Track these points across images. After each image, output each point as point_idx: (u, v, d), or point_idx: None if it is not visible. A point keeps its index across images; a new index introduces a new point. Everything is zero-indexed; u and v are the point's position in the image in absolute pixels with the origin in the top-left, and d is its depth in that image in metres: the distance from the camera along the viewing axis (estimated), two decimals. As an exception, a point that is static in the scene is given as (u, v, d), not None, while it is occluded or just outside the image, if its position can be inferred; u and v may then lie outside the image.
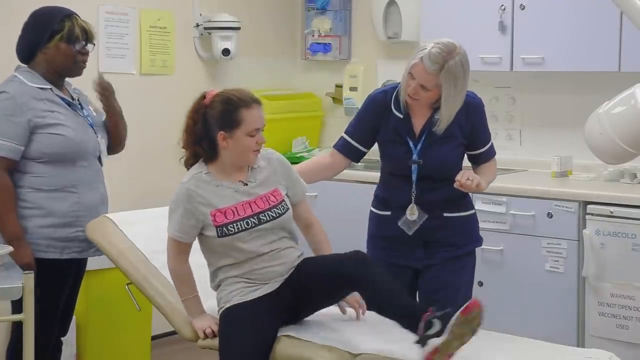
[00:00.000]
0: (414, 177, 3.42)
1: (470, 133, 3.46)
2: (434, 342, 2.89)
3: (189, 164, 3.33)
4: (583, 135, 3.48)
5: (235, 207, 3.19)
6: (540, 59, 4.67)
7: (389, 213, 3.51)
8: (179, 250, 3.22)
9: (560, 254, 4.36)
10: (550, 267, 4.39)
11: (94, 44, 3.68)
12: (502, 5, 4.74)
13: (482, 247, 4.53)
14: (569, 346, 3.42)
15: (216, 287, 3.29)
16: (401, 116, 3.43)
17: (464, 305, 2.91)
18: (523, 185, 4.54)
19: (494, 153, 3.60)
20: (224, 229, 3.16)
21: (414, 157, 3.41)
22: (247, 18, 5.48)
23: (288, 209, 3.27)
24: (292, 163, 5.38)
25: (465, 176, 3.32)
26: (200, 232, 3.22)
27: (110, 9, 4.89)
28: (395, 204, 3.48)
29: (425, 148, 3.41)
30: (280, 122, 5.48)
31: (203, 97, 3.23)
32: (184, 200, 3.19)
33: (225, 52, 5.30)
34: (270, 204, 3.23)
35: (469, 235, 3.55)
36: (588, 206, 4.29)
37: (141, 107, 5.06)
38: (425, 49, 3.32)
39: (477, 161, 3.56)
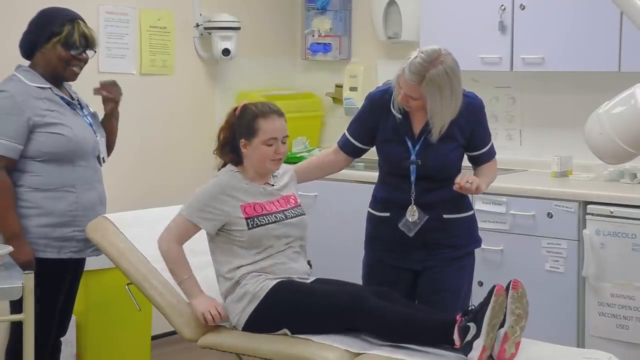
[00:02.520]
0: (412, 177, 3.41)
1: (471, 134, 3.45)
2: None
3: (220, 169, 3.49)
4: (583, 135, 3.48)
5: (263, 204, 3.36)
6: (540, 59, 4.67)
7: (387, 214, 3.49)
8: (185, 234, 3.34)
9: (560, 254, 4.36)
10: (550, 267, 4.39)
11: (95, 51, 3.67)
12: (502, 5, 4.74)
13: (482, 247, 4.54)
14: (569, 346, 3.42)
15: (234, 286, 3.29)
16: (400, 116, 3.42)
17: (510, 283, 3.05)
18: (523, 185, 4.54)
19: (495, 154, 3.59)
20: (255, 220, 3.30)
21: (412, 157, 3.40)
22: (247, 18, 5.48)
23: (305, 214, 3.47)
24: (292, 163, 5.42)
25: (465, 179, 3.31)
26: (223, 231, 3.30)
27: (110, 9, 4.88)
28: (395, 205, 3.46)
29: (423, 149, 3.40)
30: (280, 122, 5.48)
31: (235, 109, 3.43)
32: (219, 189, 3.33)
33: (225, 52, 5.30)
34: (291, 204, 3.43)
35: (468, 236, 3.55)
36: (588, 206, 4.29)
37: (141, 107, 5.06)
38: (410, 58, 3.29)
39: (477, 162, 3.55)
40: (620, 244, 4.18)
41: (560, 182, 4.64)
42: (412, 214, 3.41)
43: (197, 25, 5.33)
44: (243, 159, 3.40)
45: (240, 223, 3.29)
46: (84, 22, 3.63)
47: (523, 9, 4.69)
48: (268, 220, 3.32)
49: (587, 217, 4.28)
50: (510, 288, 3.06)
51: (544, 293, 4.35)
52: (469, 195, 3.57)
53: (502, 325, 3.01)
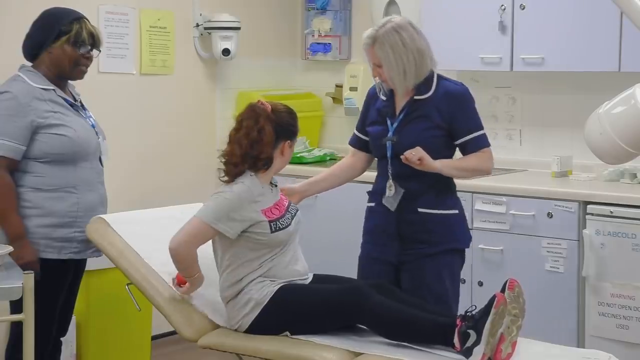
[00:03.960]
0: (389, 154, 3.47)
1: (451, 119, 3.45)
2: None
3: (234, 174, 3.33)
4: (583, 135, 3.48)
5: (276, 205, 3.35)
6: (540, 59, 4.67)
7: (373, 204, 3.56)
8: (204, 240, 3.28)
9: (560, 254, 4.36)
10: (550, 267, 4.39)
11: (100, 51, 3.67)
12: (502, 5, 4.74)
13: (482, 247, 4.54)
14: (569, 346, 3.42)
15: (238, 292, 3.29)
16: (384, 98, 3.52)
17: (506, 284, 3.06)
18: (523, 185, 4.55)
19: (485, 145, 3.51)
20: (278, 223, 3.29)
21: (390, 134, 3.47)
22: (247, 18, 5.48)
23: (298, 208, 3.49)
24: (292, 163, 5.41)
25: (410, 150, 3.35)
26: (244, 234, 3.27)
27: (110, 9, 4.88)
28: (379, 192, 3.53)
29: (401, 126, 3.46)
30: (280, 122, 5.48)
31: (261, 104, 3.33)
32: (248, 196, 3.26)
33: (225, 52, 5.30)
34: (286, 201, 3.44)
35: (447, 234, 3.50)
36: (588, 206, 4.29)
37: (141, 107, 5.07)
38: None
39: (463, 150, 3.53)
40: (620, 244, 4.18)
41: (560, 182, 4.64)
42: (390, 188, 3.47)
43: (197, 25, 5.34)
44: (273, 162, 3.33)
45: (264, 226, 3.26)
46: (88, 20, 3.64)
47: (523, 9, 4.69)
48: (286, 222, 3.32)
49: (587, 217, 4.28)
50: (507, 288, 3.06)
51: (544, 293, 4.36)
52: (456, 194, 3.59)
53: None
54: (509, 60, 4.77)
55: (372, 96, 3.62)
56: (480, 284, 4.50)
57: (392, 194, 3.47)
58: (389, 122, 3.50)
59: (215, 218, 3.23)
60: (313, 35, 5.77)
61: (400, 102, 3.49)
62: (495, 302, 2.99)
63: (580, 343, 4.30)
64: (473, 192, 4.58)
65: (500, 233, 4.52)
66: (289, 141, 3.36)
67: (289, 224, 3.33)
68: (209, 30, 5.32)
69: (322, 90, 5.79)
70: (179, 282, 3.37)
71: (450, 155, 3.49)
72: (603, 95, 3.58)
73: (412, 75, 3.41)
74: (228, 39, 5.30)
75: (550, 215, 4.38)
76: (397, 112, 3.49)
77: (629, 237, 4.16)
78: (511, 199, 4.50)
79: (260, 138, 3.28)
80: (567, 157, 4.79)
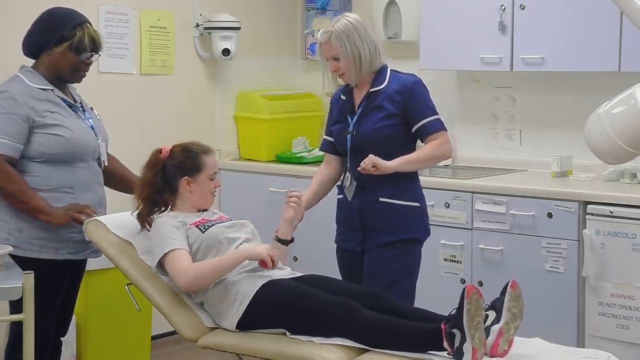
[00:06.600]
0: (347, 146, 3.63)
1: (405, 108, 3.60)
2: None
3: (145, 217, 3.53)
4: (583, 135, 3.48)
5: (204, 218, 3.47)
6: (540, 59, 4.67)
7: (341, 196, 3.73)
8: (187, 259, 3.33)
9: (560, 254, 4.36)
10: (550, 267, 4.39)
11: (100, 55, 3.67)
12: (502, 5, 4.74)
13: (482, 247, 4.54)
14: (569, 346, 3.41)
15: (223, 291, 3.32)
16: (344, 98, 3.71)
17: (508, 283, 3.06)
18: (523, 185, 4.55)
19: (440, 128, 3.64)
20: (205, 224, 3.40)
21: (350, 128, 3.64)
22: (247, 18, 5.49)
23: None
24: (292, 163, 5.41)
25: (363, 161, 3.48)
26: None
27: (110, 9, 4.89)
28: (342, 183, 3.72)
29: (359, 119, 3.63)
30: (280, 122, 5.48)
31: (159, 152, 3.54)
32: (171, 220, 3.41)
33: (225, 52, 5.30)
34: (227, 219, 3.53)
35: (404, 224, 3.63)
36: (588, 206, 4.29)
37: (141, 107, 5.07)
38: None
39: (420, 136, 3.65)
40: (620, 244, 4.18)
41: (560, 182, 4.64)
42: (347, 180, 3.66)
43: (197, 25, 5.34)
44: (177, 200, 3.49)
45: (194, 233, 3.38)
46: (91, 24, 3.63)
47: (523, 9, 4.69)
48: (214, 223, 3.44)
49: (587, 217, 4.28)
50: (509, 286, 3.07)
51: (544, 293, 4.36)
52: (418, 188, 3.69)
53: (497, 321, 3.02)
54: (509, 60, 4.77)
55: (335, 100, 3.77)
56: (481, 284, 4.49)
57: (347, 185, 3.65)
58: (349, 118, 3.65)
59: (171, 241, 3.34)
60: (313, 35, 5.77)
61: (359, 98, 3.66)
62: (465, 294, 2.97)
63: (580, 343, 4.30)
64: (473, 192, 4.59)
65: (500, 233, 4.52)
66: (187, 177, 3.49)
67: (220, 222, 3.43)
68: (209, 30, 5.32)
69: (322, 90, 5.78)
70: (264, 266, 3.36)
71: (411, 145, 3.64)
72: (603, 95, 3.57)
73: (366, 64, 3.59)
74: (228, 39, 5.31)
75: (550, 215, 4.38)
76: (356, 107, 3.65)
77: (629, 237, 4.16)
78: (511, 199, 4.50)
79: (140, 183, 3.55)
80: (567, 157, 4.79)
